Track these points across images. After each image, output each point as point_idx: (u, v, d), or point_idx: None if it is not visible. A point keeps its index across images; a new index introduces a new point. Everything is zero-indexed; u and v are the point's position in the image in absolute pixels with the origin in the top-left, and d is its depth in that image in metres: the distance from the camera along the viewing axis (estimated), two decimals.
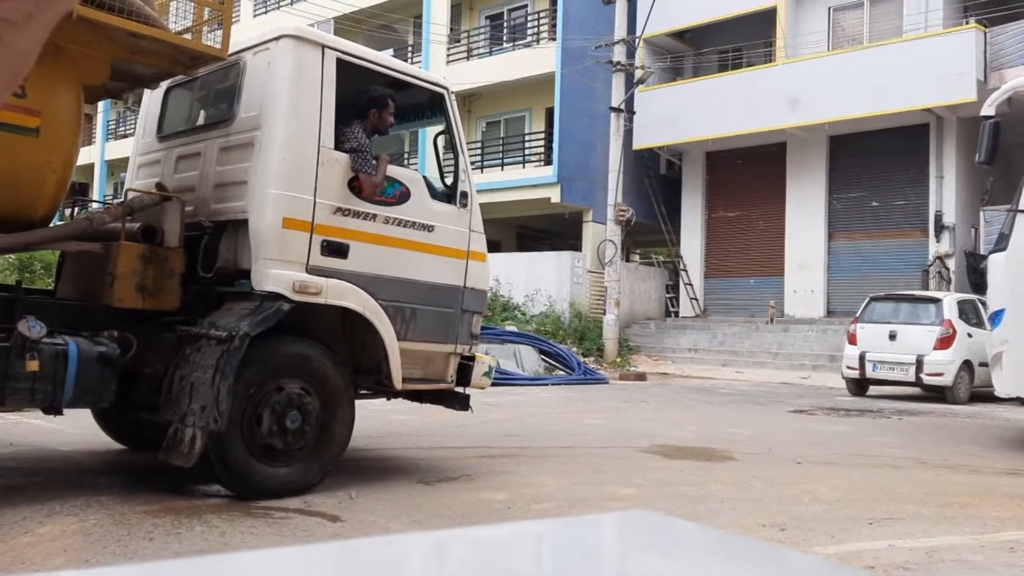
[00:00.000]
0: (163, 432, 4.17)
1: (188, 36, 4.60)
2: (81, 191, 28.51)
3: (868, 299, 12.98)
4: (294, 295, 4.37)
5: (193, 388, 4.06)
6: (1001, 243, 6.98)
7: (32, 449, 5.43)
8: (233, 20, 4.62)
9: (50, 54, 3.89)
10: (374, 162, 4.72)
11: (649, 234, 21.74)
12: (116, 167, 28.06)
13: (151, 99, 5.58)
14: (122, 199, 4.73)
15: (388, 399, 5.72)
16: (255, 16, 25.57)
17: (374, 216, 4.77)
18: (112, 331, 4.20)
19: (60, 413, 4.07)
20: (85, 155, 30.80)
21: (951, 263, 16.46)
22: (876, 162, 17.79)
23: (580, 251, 19.73)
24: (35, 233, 4.14)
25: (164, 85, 5.34)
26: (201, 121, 5.27)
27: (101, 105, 26.90)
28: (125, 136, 28.49)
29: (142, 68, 4.54)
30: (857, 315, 12.85)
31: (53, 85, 4.02)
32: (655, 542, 0.66)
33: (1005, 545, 3.86)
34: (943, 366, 11.66)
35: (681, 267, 20.47)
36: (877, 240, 17.81)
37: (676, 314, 20.56)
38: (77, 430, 5.90)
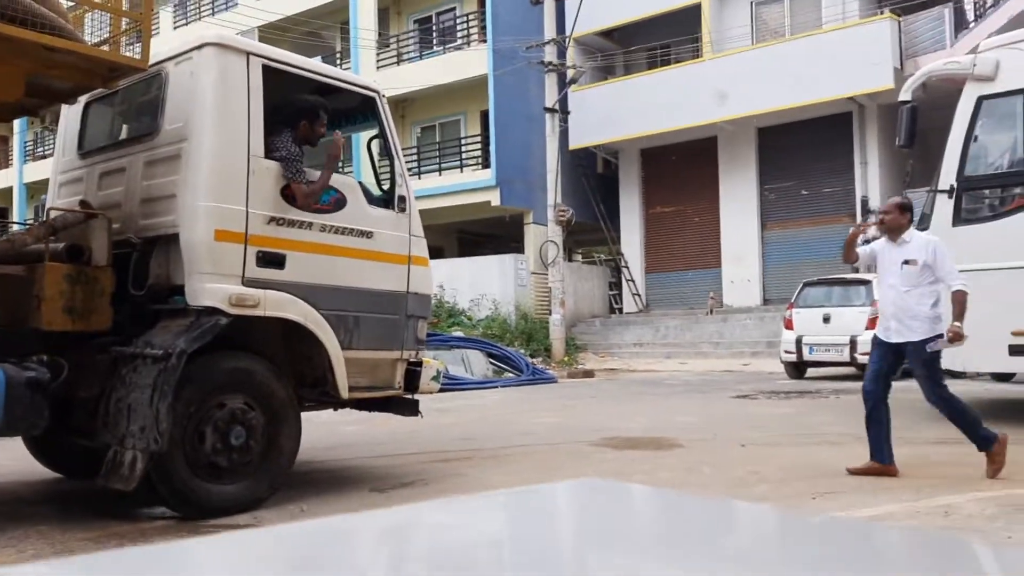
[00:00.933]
0: (101, 457, 4.04)
1: (106, 48, 4.48)
2: None
3: (802, 285, 13.34)
4: (231, 309, 4.28)
5: (131, 409, 3.95)
6: (923, 223, 7.25)
7: None
8: (153, 31, 4.51)
9: None
10: (305, 171, 4.66)
11: (590, 233, 21.94)
12: (36, 190, 27.05)
13: (70, 115, 5.41)
14: (44, 219, 4.57)
15: (335, 410, 5.65)
16: (175, 28, 24.97)
17: (310, 224, 4.71)
18: (42, 355, 4.06)
19: None
20: (2, 178, 29.66)
21: None
22: (803, 152, 18.31)
23: (523, 253, 19.80)
24: None
25: (83, 100, 5.19)
26: (124, 135, 5.13)
27: (17, 125, 25.93)
28: (44, 157, 27.48)
29: (58, 82, 4.40)
30: (792, 301, 13.20)
31: None
32: (608, 504, 0.67)
33: (939, 509, 4.02)
34: None
35: (623, 264, 20.72)
36: (808, 228, 18.31)
37: (620, 310, 20.80)
38: (9, 460, 5.67)
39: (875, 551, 0.56)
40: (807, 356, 12.51)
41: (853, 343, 12.04)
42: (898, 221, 5.04)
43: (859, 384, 12.23)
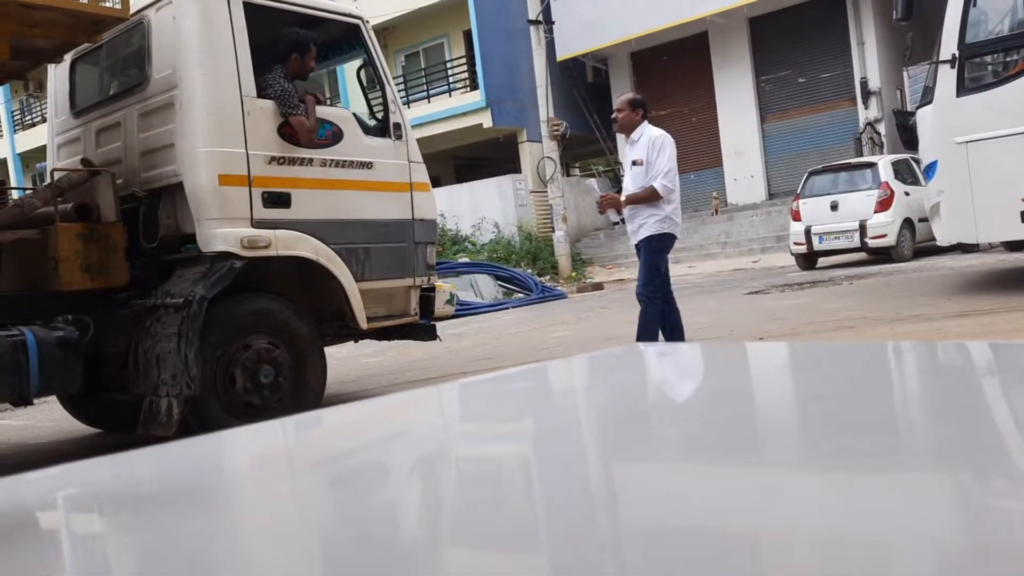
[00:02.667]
0: (137, 409, 4.15)
1: (85, 0, 4.38)
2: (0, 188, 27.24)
3: (807, 174, 13.24)
4: (244, 251, 4.31)
5: (160, 359, 4.03)
6: (927, 96, 7.15)
7: (7, 447, 5.36)
8: None
9: None
10: (302, 105, 4.61)
11: (586, 145, 21.69)
12: (30, 158, 26.83)
13: (57, 75, 5.34)
14: (48, 182, 4.57)
15: (356, 342, 5.74)
16: None
17: (310, 161, 4.69)
18: (66, 316, 4.12)
19: (30, 403, 4.02)
20: None
21: (881, 127, 16.80)
22: (798, 38, 17.87)
23: (520, 173, 19.64)
24: None
25: (68, 58, 5.11)
26: (114, 90, 5.07)
27: (1, 96, 25.50)
28: (34, 125, 27.16)
29: (41, 41, 4.33)
30: (798, 192, 13.12)
31: None
32: (653, 362, 0.71)
33: None
34: (885, 227, 12.04)
35: (621, 173, 20.54)
36: (808, 116, 18.04)
37: (623, 220, 20.73)
38: (49, 422, 5.83)
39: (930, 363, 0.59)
40: (817, 246, 12.52)
41: (863, 228, 12.03)
42: (630, 119, 4.84)
43: (872, 268, 12.25)
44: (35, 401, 4.09)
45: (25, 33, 4.12)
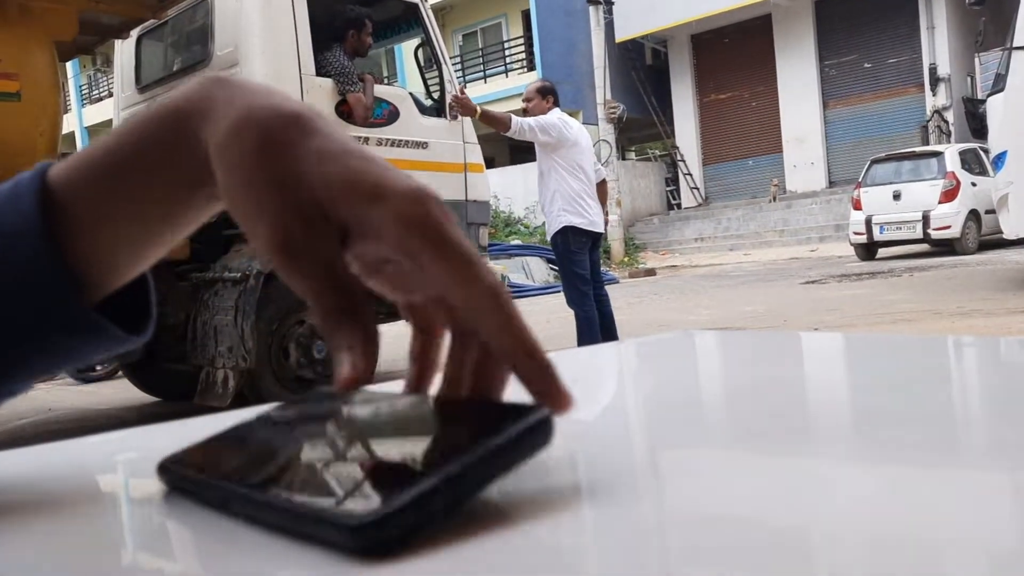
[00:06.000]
0: (195, 379, 4.27)
1: None
2: None
3: (869, 162, 12.90)
4: None
5: (217, 331, 4.14)
6: (998, 84, 6.88)
7: (72, 411, 5.57)
8: None
9: (16, 14, 3.82)
10: (360, 83, 4.65)
11: (642, 128, 21.46)
12: (97, 132, 27.65)
13: (123, 51, 5.48)
14: None
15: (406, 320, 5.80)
16: None
17: (367, 140, 4.73)
18: None
19: (93, 371, 4.16)
20: (64, 123, 30.31)
21: (949, 115, 16.25)
22: (865, 22, 17.35)
23: None
24: None
25: (135, 34, 5.23)
26: (178, 66, 5.19)
27: (71, 70, 26.29)
28: (101, 99, 27.98)
29: (108, 17, 4.45)
30: (859, 180, 12.79)
31: (25, 46, 3.95)
32: (704, 349, 0.70)
33: None
34: (949, 219, 11.67)
35: (678, 157, 20.29)
36: (873, 102, 17.54)
37: (678, 206, 20.50)
38: (111, 391, 6.04)
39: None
40: (877, 236, 12.20)
41: (926, 219, 11.69)
42: (540, 107, 4.64)
43: (934, 260, 11.91)
44: (98, 368, 4.23)
45: (94, 9, 4.23)
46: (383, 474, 0.34)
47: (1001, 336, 0.75)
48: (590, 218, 4.52)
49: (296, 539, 0.32)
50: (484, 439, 0.32)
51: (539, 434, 0.33)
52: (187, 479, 0.39)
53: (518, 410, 0.34)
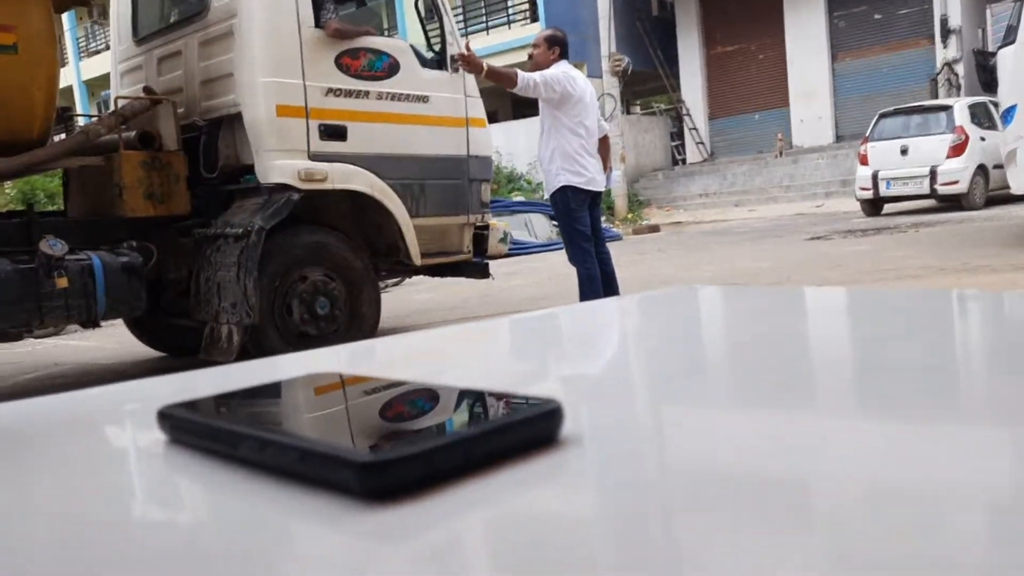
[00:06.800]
0: (199, 334, 4.29)
1: None
2: (66, 115, 27.88)
3: (877, 116, 12.73)
4: (301, 184, 4.36)
5: (220, 287, 4.14)
6: (1010, 36, 6.74)
7: (77, 366, 5.61)
8: None
9: None
10: (334, 8, 4.52)
11: (648, 82, 21.16)
12: (95, 86, 27.34)
13: (120, 2, 5.39)
14: (112, 109, 4.66)
15: (409, 278, 5.81)
16: None
17: (367, 93, 4.68)
18: (130, 242, 4.25)
19: (98, 325, 4.19)
20: (62, 77, 29.94)
21: (960, 68, 15.99)
22: None
23: None
24: (35, 153, 4.12)
25: None
26: (175, 17, 5.11)
27: (67, 23, 25.90)
28: (98, 52, 27.60)
29: None
30: (867, 135, 12.65)
31: None
32: (706, 303, 0.70)
33: None
34: (957, 174, 11.56)
35: (684, 112, 20.05)
36: (882, 55, 17.25)
37: (683, 161, 20.32)
38: (115, 344, 6.07)
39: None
40: (884, 192, 12.11)
41: (934, 174, 11.58)
42: (545, 56, 4.50)
43: (940, 216, 11.83)
44: (102, 324, 4.25)
45: None
46: (395, 432, 0.36)
47: (1005, 291, 0.74)
48: (588, 176, 4.47)
49: (301, 484, 0.32)
50: (495, 418, 0.37)
51: (547, 422, 0.36)
52: (190, 423, 0.39)
53: (530, 401, 0.37)
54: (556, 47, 4.55)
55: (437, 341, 0.71)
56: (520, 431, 0.35)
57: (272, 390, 0.45)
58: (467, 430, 0.35)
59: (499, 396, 0.39)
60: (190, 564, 0.27)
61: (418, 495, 0.30)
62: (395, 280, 7.53)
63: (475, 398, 0.40)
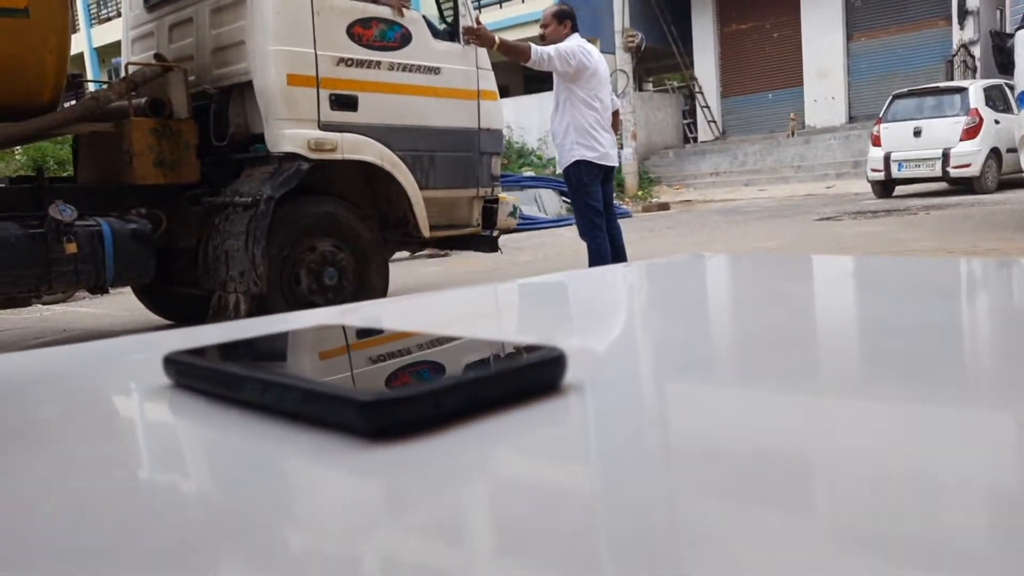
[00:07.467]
0: (206, 302, 4.31)
1: None
2: (76, 81, 27.83)
3: (891, 97, 12.60)
4: (311, 154, 4.35)
5: (228, 256, 4.15)
6: None
7: (84, 333, 5.65)
8: None
9: None
10: None
11: (661, 59, 20.95)
12: (106, 53, 27.23)
13: None
14: (123, 76, 4.65)
15: (418, 250, 5.80)
16: None
17: (378, 64, 4.66)
18: (140, 209, 4.26)
19: (106, 291, 4.21)
20: (73, 44, 29.86)
21: (976, 50, 15.77)
22: None
23: None
24: (45, 119, 4.12)
25: None
26: None
27: None
28: (110, 19, 27.48)
29: None
30: (880, 116, 12.52)
31: None
32: (712, 271, 0.69)
33: None
34: (970, 157, 11.45)
35: (696, 90, 19.87)
36: (898, 35, 17.03)
37: (695, 139, 20.17)
38: (123, 311, 6.11)
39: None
40: (896, 173, 12.01)
41: (946, 156, 11.47)
42: (557, 32, 4.45)
43: (952, 199, 11.75)
44: (111, 291, 4.27)
45: None
46: (398, 374, 0.37)
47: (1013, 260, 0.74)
48: (603, 151, 4.46)
49: (305, 425, 0.32)
50: (498, 364, 0.37)
51: (550, 369, 0.36)
52: (195, 367, 0.40)
53: (532, 349, 0.37)
54: (567, 20, 4.52)
55: (443, 301, 0.71)
56: (523, 376, 0.35)
57: (277, 339, 0.45)
58: (470, 374, 0.36)
59: (503, 344, 0.40)
60: (194, 503, 0.28)
61: (420, 435, 0.30)
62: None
63: (479, 346, 0.40)
